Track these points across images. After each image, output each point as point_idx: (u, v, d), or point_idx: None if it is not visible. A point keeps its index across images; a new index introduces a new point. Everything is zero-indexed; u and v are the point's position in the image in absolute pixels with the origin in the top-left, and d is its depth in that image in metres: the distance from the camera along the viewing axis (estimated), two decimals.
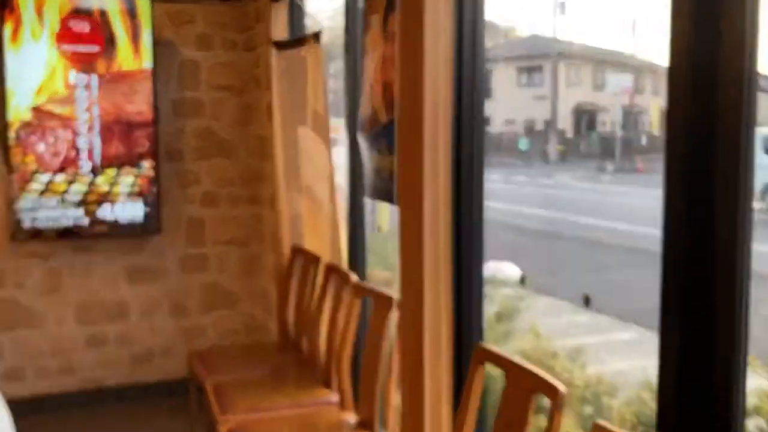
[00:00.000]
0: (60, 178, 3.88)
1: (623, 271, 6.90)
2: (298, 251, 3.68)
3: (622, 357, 4.73)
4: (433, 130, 1.95)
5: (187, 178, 4.30)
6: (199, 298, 4.41)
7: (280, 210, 3.85)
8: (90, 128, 3.91)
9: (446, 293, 2.01)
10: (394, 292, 2.50)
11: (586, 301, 5.86)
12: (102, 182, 3.95)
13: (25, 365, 4.09)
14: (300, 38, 3.32)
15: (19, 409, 4.04)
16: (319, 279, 3.35)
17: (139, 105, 4.01)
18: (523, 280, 6.07)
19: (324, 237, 3.34)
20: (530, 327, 4.44)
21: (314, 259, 3.44)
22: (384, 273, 3.32)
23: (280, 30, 3.68)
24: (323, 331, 3.20)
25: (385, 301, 2.62)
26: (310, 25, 3.70)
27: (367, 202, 3.06)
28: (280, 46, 3.56)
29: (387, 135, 2.53)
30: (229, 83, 4.34)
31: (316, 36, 3.05)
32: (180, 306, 4.37)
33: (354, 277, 2.92)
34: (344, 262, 3.12)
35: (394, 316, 2.53)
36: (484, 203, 2.36)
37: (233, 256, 4.45)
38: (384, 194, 2.64)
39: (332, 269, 3.17)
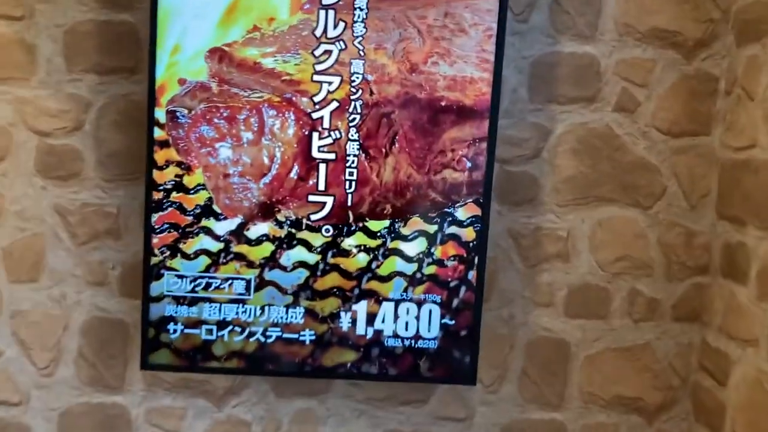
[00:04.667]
0: (258, 229, 1.59)
1: None
2: None
3: None
4: None
5: (543, 247, 1.81)
6: None
7: None
8: (341, 113, 1.57)
9: None
10: None
11: None
12: (353, 247, 1.60)
13: None
14: None
15: None
16: None
17: (457, 66, 1.58)
18: None
19: None
20: None
21: None
22: None
23: None
24: None
25: None
26: None
27: None
28: None
29: None
30: (664, 26, 1.77)
31: None
32: None
33: None
34: None
35: None
36: None
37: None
38: None
39: None
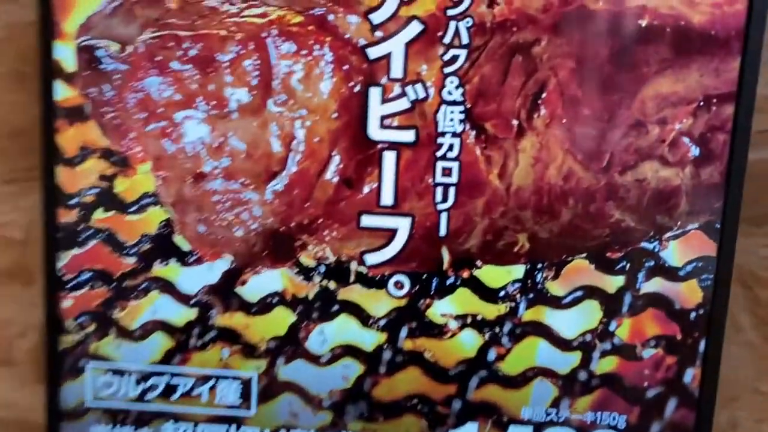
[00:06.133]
0: (264, 283, 0.81)
1: None
2: None
3: None
4: None
5: None
6: None
7: None
8: (427, 47, 0.77)
9: None
10: None
11: None
12: (450, 319, 0.80)
13: None
14: None
15: None
16: None
17: None
18: None
19: None
20: None
21: None
22: None
23: None
24: None
25: None
26: None
27: None
28: None
29: None
30: None
31: None
32: None
33: None
34: None
35: None
36: None
37: None
38: None
39: None
